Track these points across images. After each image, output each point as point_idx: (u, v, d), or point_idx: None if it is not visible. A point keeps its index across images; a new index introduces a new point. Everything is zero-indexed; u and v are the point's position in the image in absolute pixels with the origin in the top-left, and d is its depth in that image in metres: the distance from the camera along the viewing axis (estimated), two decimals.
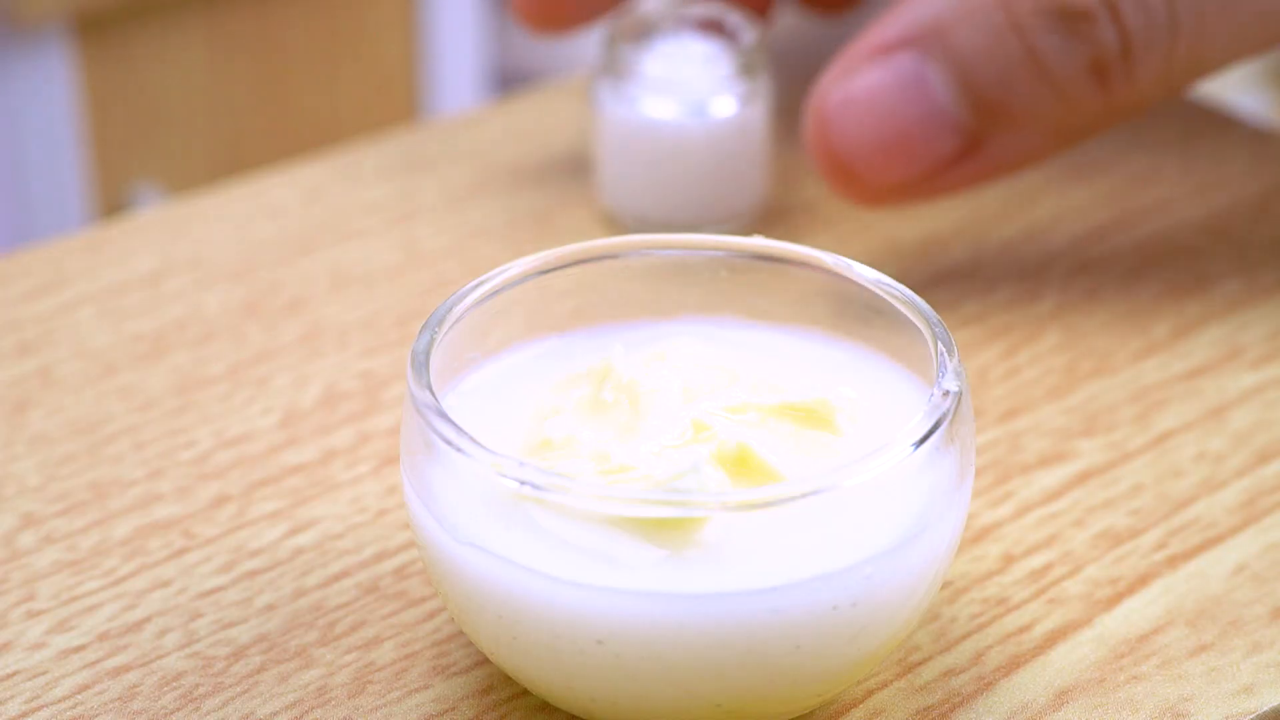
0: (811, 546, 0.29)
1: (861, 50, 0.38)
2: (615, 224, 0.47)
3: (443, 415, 0.31)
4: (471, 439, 0.30)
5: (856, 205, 0.40)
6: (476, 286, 0.34)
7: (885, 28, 0.38)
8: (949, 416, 0.31)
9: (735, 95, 0.45)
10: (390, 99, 1.35)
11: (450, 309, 0.33)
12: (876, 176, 0.37)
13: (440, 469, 0.31)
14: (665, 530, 0.29)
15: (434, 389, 0.31)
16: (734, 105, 0.45)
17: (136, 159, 1.22)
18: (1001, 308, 0.44)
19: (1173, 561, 0.37)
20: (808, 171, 0.50)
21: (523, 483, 0.30)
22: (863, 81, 0.37)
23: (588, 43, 0.62)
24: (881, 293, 0.34)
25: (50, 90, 1.15)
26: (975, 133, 0.37)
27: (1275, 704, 0.33)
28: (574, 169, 0.51)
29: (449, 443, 0.30)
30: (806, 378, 0.34)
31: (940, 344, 0.32)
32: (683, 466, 0.30)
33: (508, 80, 1.58)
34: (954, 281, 0.45)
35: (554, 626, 0.30)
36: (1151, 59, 0.36)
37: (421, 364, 0.32)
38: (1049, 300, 0.45)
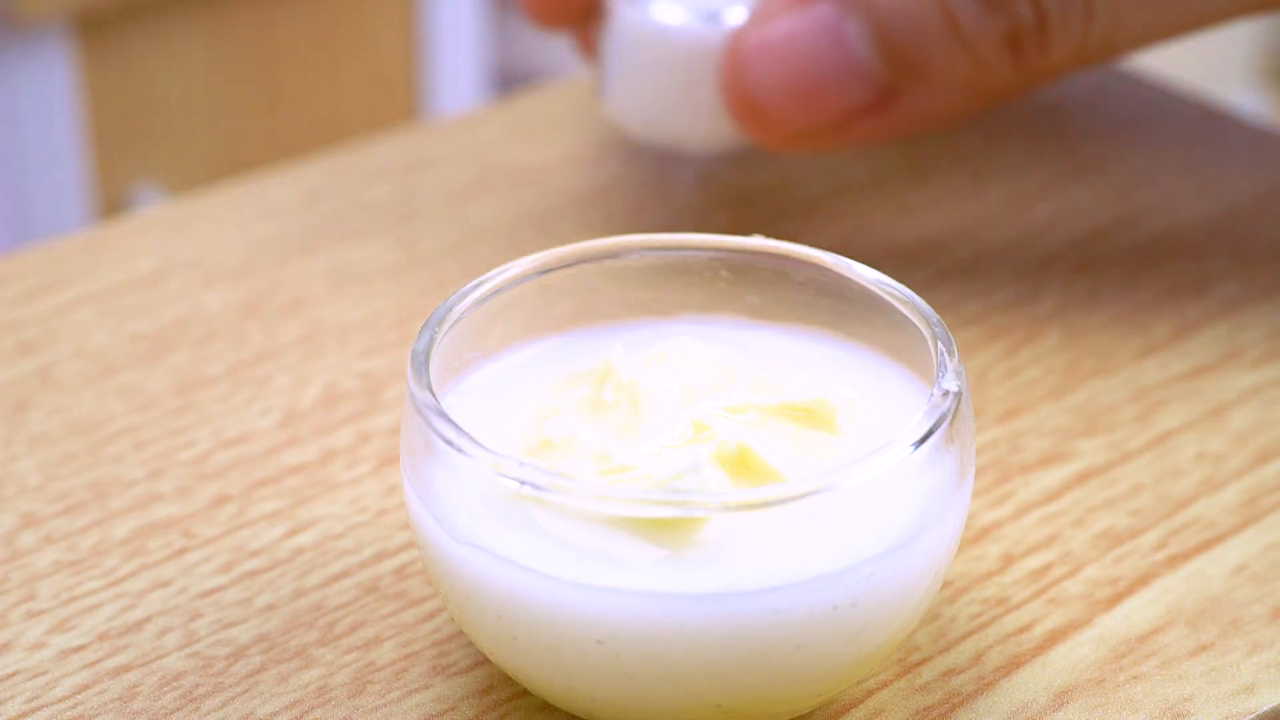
0: (811, 546, 0.29)
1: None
2: (619, 133, 0.47)
3: (443, 415, 0.31)
4: (471, 439, 0.30)
5: (767, 147, 0.41)
6: (476, 286, 0.34)
7: None
8: (949, 416, 0.31)
9: (748, 2, 0.44)
10: (390, 99, 1.35)
11: (450, 309, 0.33)
12: (787, 121, 0.38)
13: (440, 469, 0.31)
14: (665, 530, 0.29)
15: (434, 389, 0.31)
16: (746, 14, 0.44)
17: (136, 159, 1.22)
18: (1001, 308, 0.44)
19: (1173, 561, 0.37)
20: (809, 171, 0.50)
21: (523, 482, 0.30)
22: (780, 27, 0.38)
23: None
24: (881, 293, 0.34)
25: (50, 90, 1.15)
26: (888, 86, 0.38)
27: (1275, 704, 0.33)
28: (574, 169, 0.51)
29: (449, 443, 0.30)
30: (806, 378, 0.34)
31: (940, 344, 0.32)
32: (683, 466, 0.30)
33: (508, 80, 1.58)
34: (954, 281, 0.45)
35: (554, 626, 0.30)
36: (1066, 35, 0.37)
37: (421, 364, 0.32)
38: (1049, 300, 0.45)
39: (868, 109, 0.38)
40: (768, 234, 0.41)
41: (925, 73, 0.38)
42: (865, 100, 0.38)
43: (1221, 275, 0.45)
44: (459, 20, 1.39)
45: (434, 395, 0.31)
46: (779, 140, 0.39)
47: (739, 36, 0.39)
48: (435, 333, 0.33)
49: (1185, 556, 0.37)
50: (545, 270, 0.35)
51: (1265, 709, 0.33)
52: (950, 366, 0.31)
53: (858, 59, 0.38)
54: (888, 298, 0.33)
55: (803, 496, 0.29)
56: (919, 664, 0.34)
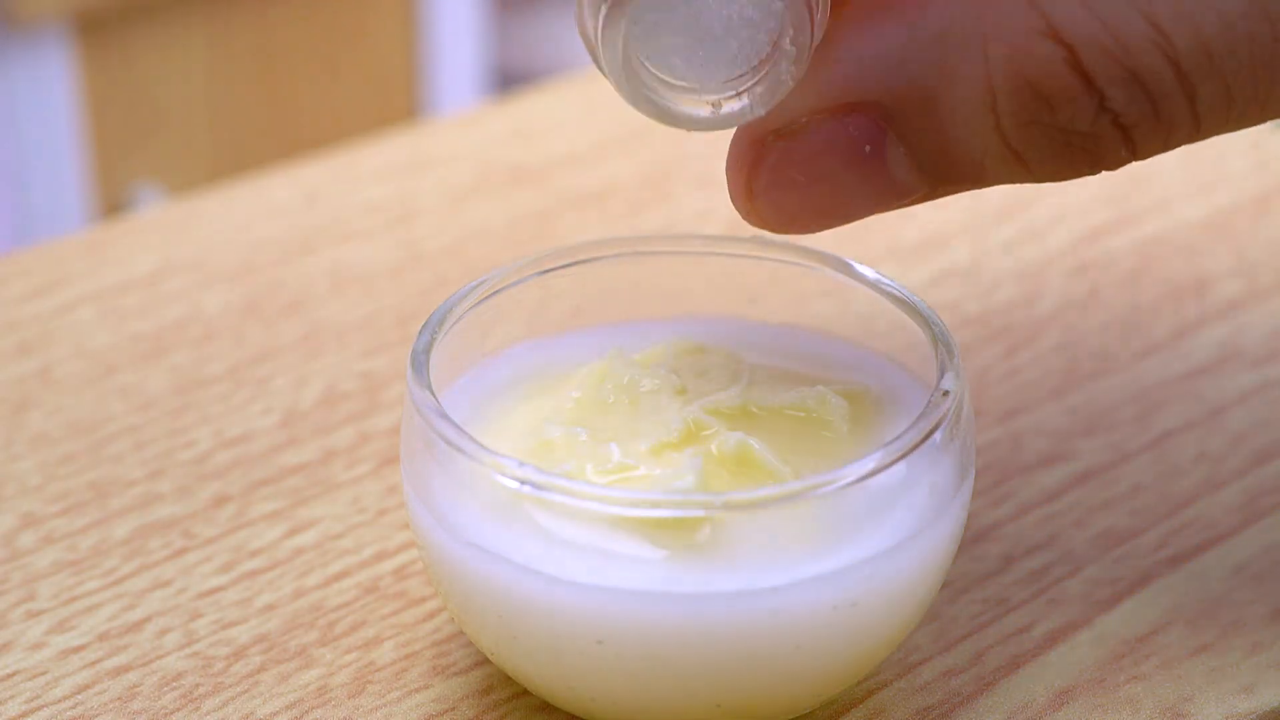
0: (811, 546, 0.29)
1: (813, 97, 0.33)
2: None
3: (443, 416, 0.31)
4: (471, 439, 0.30)
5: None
6: (476, 286, 0.34)
7: (846, 71, 0.32)
8: (949, 417, 0.31)
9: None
10: (390, 99, 1.35)
11: (450, 309, 0.33)
12: (797, 228, 0.33)
13: (440, 469, 0.31)
14: (665, 530, 0.29)
15: (434, 389, 0.31)
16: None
17: (136, 159, 1.22)
18: (1001, 308, 0.44)
19: (1173, 561, 0.37)
20: None
21: (523, 483, 0.30)
22: (810, 144, 0.32)
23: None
24: (881, 293, 0.34)
25: (50, 90, 1.15)
26: (921, 197, 0.33)
27: (1275, 704, 0.33)
28: (574, 169, 0.51)
29: (449, 443, 0.30)
30: (807, 378, 0.34)
31: (940, 344, 0.32)
32: (683, 467, 0.30)
33: (508, 80, 1.58)
34: (954, 281, 0.45)
35: (554, 626, 0.30)
36: (1152, 145, 0.32)
37: (421, 364, 0.32)
38: (1049, 300, 0.45)
39: (893, 205, 0.33)
40: (768, 234, 0.41)
41: (975, 184, 0.32)
42: (894, 205, 0.33)
43: (1221, 275, 0.45)
44: (459, 20, 1.39)
45: (434, 395, 0.31)
46: (783, 232, 0.34)
47: (760, 137, 0.33)
48: (435, 333, 0.33)
49: (1185, 556, 0.37)
50: (545, 270, 0.35)
51: (1265, 709, 0.33)
52: (950, 367, 0.31)
53: (897, 180, 0.32)
54: (888, 298, 0.33)
55: (803, 496, 0.29)
56: (919, 664, 0.34)
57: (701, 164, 0.51)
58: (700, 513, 0.29)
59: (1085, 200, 0.48)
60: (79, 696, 0.34)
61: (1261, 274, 0.45)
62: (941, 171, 0.32)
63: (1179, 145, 0.32)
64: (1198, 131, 0.31)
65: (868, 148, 0.32)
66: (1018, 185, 0.32)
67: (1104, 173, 0.32)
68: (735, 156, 0.33)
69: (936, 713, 0.33)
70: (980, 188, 0.32)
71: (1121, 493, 0.38)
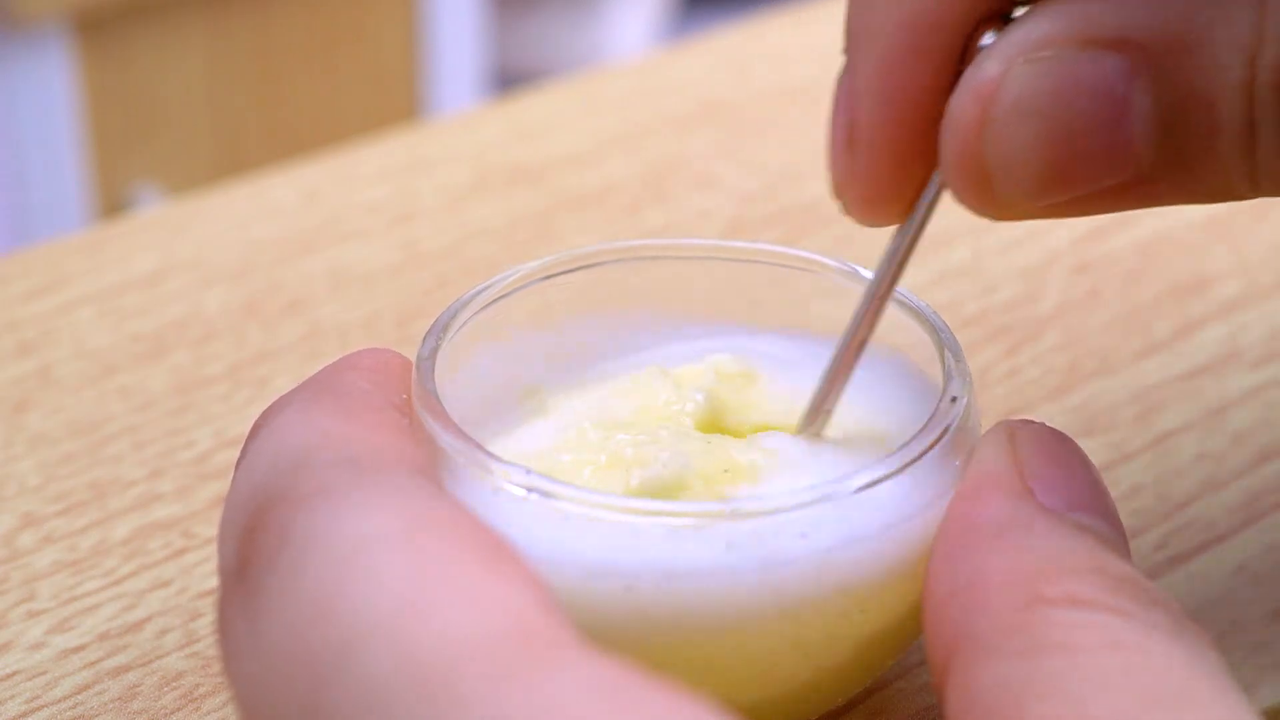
0: (817, 552, 0.29)
1: (1062, 26, 0.29)
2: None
3: (449, 424, 0.30)
4: (479, 447, 0.30)
5: (972, 212, 0.32)
6: (481, 291, 0.34)
7: (1104, 7, 0.29)
8: (955, 423, 0.31)
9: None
10: (390, 99, 1.35)
11: (455, 314, 0.33)
12: (1019, 195, 0.30)
13: (447, 476, 0.30)
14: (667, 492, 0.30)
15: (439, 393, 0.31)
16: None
17: (136, 159, 1.22)
18: (1001, 308, 0.44)
19: (1173, 561, 0.37)
20: (809, 171, 0.50)
21: (530, 490, 0.29)
22: (1055, 74, 0.29)
23: (586, 43, 0.62)
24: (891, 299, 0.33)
25: (50, 90, 1.15)
26: (1144, 175, 0.30)
27: (1275, 703, 0.33)
28: (574, 169, 0.51)
29: (455, 451, 0.30)
30: (810, 381, 0.34)
31: (947, 350, 0.32)
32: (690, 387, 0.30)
33: (508, 80, 1.58)
34: (954, 281, 0.45)
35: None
36: None
37: (427, 370, 0.31)
38: (1049, 300, 0.45)
39: (1112, 190, 0.30)
40: (767, 234, 0.41)
41: (1192, 171, 0.30)
42: (1112, 185, 0.30)
43: (1221, 275, 0.45)
44: (459, 20, 1.39)
45: (439, 401, 0.31)
46: (992, 209, 0.31)
47: (993, 72, 0.29)
48: (440, 339, 0.32)
49: (1185, 556, 0.37)
50: (548, 276, 0.34)
51: (1265, 709, 0.33)
52: (957, 373, 0.31)
53: (1132, 139, 0.29)
54: (894, 303, 0.33)
55: (810, 504, 0.29)
56: (919, 664, 0.34)
57: (702, 164, 0.51)
58: (704, 521, 0.29)
59: None
60: (79, 697, 0.34)
61: (1261, 274, 0.45)
62: (1176, 136, 0.29)
63: None
64: None
65: (1117, 88, 0.29)
66: None
67: None
68: (973, 83, 0.30)
69: (936, 713, 0.33)
70: (1194, 178, 0.29)
71: (1121, 493, 0.38)
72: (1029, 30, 0.29)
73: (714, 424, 0.33)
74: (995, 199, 0.30)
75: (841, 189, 0.32)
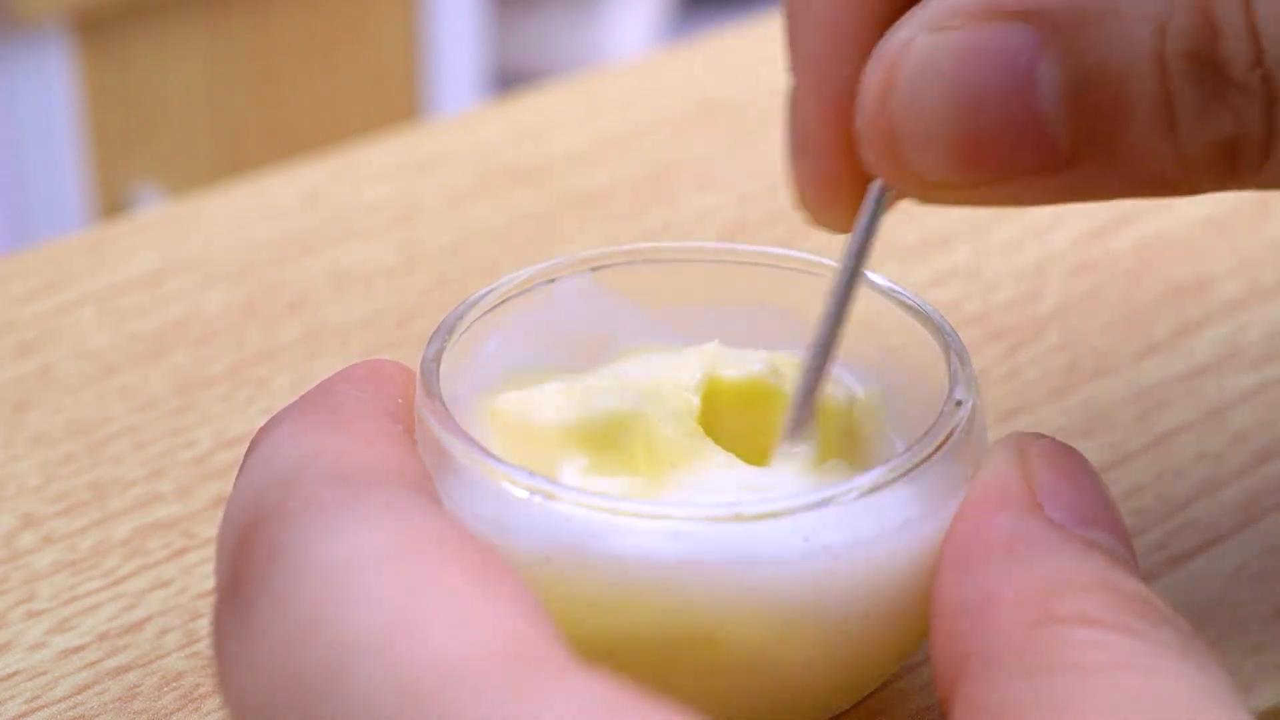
0: (820, 556, 0.29)
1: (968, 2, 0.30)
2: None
3: (454, 428, 0.30)
4: (484, 451, 0.30)
5: (902, 193, 0.32)
6: (487, 293, 0.33)
7: None
8: (961, 427, 0.30)
9: None
10: (390, 99, 1.35)
11: (461, 316, 0.33)
12: (931, 168, 0.30)
13: (452, 480, 0.30)
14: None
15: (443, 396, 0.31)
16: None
17: (136, 159, 1.22)
18: (1001, 308, 0.44)
19: (1173, 561, 0.36)
20: None
21: (532, 491, 0.29)
22: (956, 41, 0.29)
23: (586, 43, 0.61)
24: (893, 300, 0.33)
25: (50, 90, 1.15)
26: (1060, 156, 0.29)
27: (1275, 703, 0.33)
28: (574, 169, 0.51)
29: (460, 456, 0.30)
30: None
31: (953, 353, 0.32)
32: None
33: (508, 80, 1.58)
34: (954, 281, 0.45)
35: (567, 634, 0.29)
36: None
37: (432, 373, 0.31)
38: (1049, 300, 0.45)
39: (1030, 171, 0.30)
40: (767, 234, 0.41)
41: (1114, 152, 0.29)
42: (1031, 165, 0.30)
43: (1221, 275, 0.45)
44: (459, 20, 1.39)
45: (444, 405, 0.31)
46: (916, 188, 0.31)
47: (899, 42, 0.30)
48: (446, 341, 0.32)
49: (1185, 556, 0.37)
50: (552, 279, 0.34)
51: (1265, 709, 0.33)
52: (963, 377, 0.31)
53: (1041, 111, 0.29)
54: (900, 305, 0.33)
55: (814, 507, 0.29)
56: (919, 664, 0.34)
57: (702, 164, 0.51)
58: (707, 526, 0.29)
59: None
60: (79, 697, 0.34)
61: (1261, 274, 0.45)
62: (1090, 112, 0.29)
63: None
64: None
65: (1022, 58, 0.29)
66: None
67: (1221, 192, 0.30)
68: (881, 52, 0.30)
69: (936, 713, 0.33)
70: (1114, 161, 0.29)
71: (1121, 493, 0.38)
72: (940, 3, 0.29)
73: (716, 415, 0.33)
74: (911, 172, 0.30)
75: (800, 197, 0.32)
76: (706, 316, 0.35)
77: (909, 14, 0.29)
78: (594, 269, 0.35)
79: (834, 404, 0.32)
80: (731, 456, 0.32)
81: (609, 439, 0.31)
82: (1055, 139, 0.29)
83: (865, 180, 0.31)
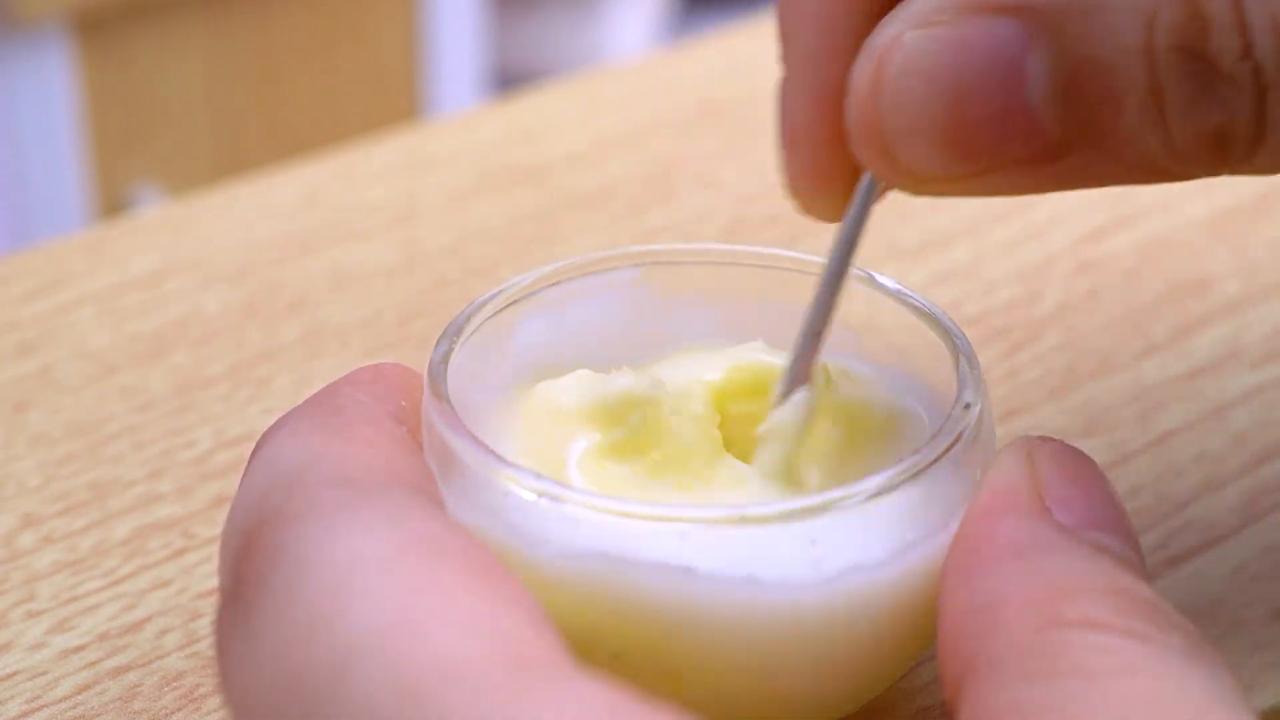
0: (827, 558, 0.29)
1: None
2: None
3: (461, 430, 0.30)
4: (491, 453, 0.30)
5: (892, 186, 0.32)
6: (495, 295, 0.33)
7: None
8: (969, 429, 0.30)
9: None
10: (390, 99, 1.35)
11: (468, 318, 0.33)
12: (921, 164, 0.30)
13: (460, 481, 0.30)
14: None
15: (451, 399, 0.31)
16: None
17: (136, 159, 1.22)
18: (1001, 308, 0.44)
19: (1173, 561, 0.37)
20: None
21: (540, 494, 0.29)
22: (944, 38, 0.29)
23: (586, 43, 0.61)
24: (902, 303, 0.33)
25: (50, 90, 1.15)
26: (1050, 147, 0.30)
27: (1275, 703, 0.33)
28: (574, 169, 0.51)
29: (467, 457, 0.30)
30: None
31: (962, 356, 0.32)
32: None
33: (508, 80, 1.58)
34: (954, 281, 0.45)
35: (570, 636, 0.29)
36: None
37: (440, 374, 0.31)
38: (1049, 300, 0.45)
39: (1021, 162, 0.30)
40: (768, 234, 0.41)
41: (1104, 142, 0.30)
42: (1022, 154, 0.30)
43: (1221, 275, 0.45)
44: (459, 20, 1.39)
45: (451, 406, 0.31)
46: (905, 181, 0.31)
47: (887, 37, 0.30)
48: (453, 342, 0.32)
49: (1185, 556, 0.37)
50: (559, 281, 0.34)
51: (1265, 708, 0.33)
52: (971, 379, 0.31)
53: (1030, 104, 0.29)
54: (907, 307, 0.33)
55: (820, 511, 0.29)
56: (919, 664, 0.34)
57: (702, 164, 0.51)
58: (714, 527, 0.29)
59: (1085, 200, 0.48)
60: (79, 697, 0.34)
61: (1261, 274, 0.45)
62: (1079, 104, 0.29)
63: None
64: None
65: (1010, 53, 0.29)
66: None
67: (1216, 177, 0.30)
68: (869, 48, 0.30)
69: (936, 713, 0.33)
70: (1106, 150, 0.29)
71: (1121, 493, 0.38)
72: (927, 0, 0.30)
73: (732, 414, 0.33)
74: (901, 166, 0.30)
75: (791, 188, 0.33)
76: (760, 315, 0.35)
77: (897, 9, 0.30)
78: (641, 265, 0.35)
79: (871, 410, 0.32)
80: (743, 466, 0.32)
81: (624, 421, 0.31)
82: (1045, 131, 0.30)
83: (855, 171, 0.31)
